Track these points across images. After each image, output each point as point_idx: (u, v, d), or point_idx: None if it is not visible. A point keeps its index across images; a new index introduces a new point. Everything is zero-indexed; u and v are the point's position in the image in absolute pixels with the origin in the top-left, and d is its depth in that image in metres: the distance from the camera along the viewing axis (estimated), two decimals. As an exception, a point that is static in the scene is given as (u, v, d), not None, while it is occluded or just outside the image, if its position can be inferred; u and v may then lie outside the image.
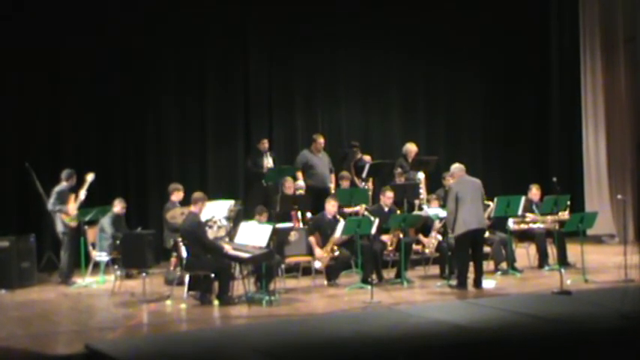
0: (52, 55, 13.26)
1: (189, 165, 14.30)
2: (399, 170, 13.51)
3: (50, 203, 11.75)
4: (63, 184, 11.82)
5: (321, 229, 11.29)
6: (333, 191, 13.21)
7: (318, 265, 11.14)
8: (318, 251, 11.17)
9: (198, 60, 14.42)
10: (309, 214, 12.38)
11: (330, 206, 11.39)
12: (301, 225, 12.13)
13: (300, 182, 13.13)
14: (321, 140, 13.71)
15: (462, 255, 10.67)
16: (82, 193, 11.74)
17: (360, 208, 12.20)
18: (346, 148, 14.39)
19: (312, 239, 11.32)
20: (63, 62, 13.37)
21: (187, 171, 14.15)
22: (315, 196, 12.87)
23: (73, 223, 11.65)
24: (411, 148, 13.86)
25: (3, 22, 12.79)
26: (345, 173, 13.30)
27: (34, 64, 13.08)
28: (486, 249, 11.65)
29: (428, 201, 12.49)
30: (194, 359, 7.47)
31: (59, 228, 11.74)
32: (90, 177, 11.84)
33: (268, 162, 13.58)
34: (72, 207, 11.66)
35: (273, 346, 7.70)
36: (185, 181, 12.74)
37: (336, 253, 11.10)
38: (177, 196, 11.82)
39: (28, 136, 13.17)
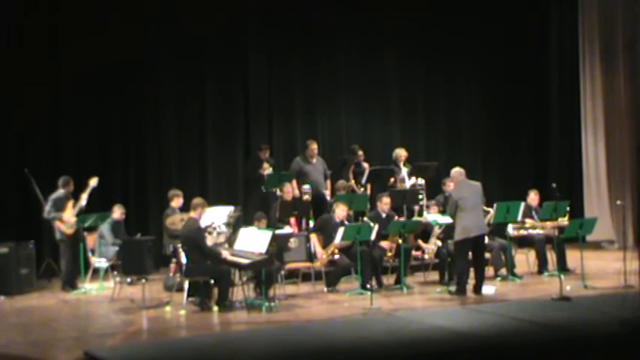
0: (53, 61, 13.26)
1: (188, 171, 14.29)
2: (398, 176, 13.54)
3: (46, 211, 11.72)
4: (60, 191, 11.79)
5: (326, 230, 11.30)
6: (328, 197, 13.18)
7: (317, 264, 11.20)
8: (319, 250, 11.18)
9: (198, 66, 14.41)
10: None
11: (340, 210, 11.40)
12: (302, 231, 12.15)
13: (306, 186, 13.06)
14: (314, 146, 13.66)
15: (462, 261, 10.65)
16: (84, 198, 11.71)
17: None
18: (346, 155, 14.39)
19: (313, 237, 11.34)
20: (63, 68, 13.36)
21: (187, 177, 14.14)
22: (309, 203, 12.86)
23: (70, 231, 11.61)
24: (400, 152, 13.88)
25: (3, 26, 12.80)
26: (341, 184, 13.18)
27: (34, 69, 13.08)
28: (486, 255, 11.63)
29: (427, 207, 12.50)
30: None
31: (57, 235, 11.74)
32: (93, 182, 11.80)
33: (268, 168, 13.55)
34: (69, 214, 11.61)
35: (273, 353, 7.70)
36: (185, 187, 12.73)
37: (337, 257, 11.10)
38: (177, 202, 11.81)
39: (27, 142, 13.18)
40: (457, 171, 11.00)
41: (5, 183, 12.97)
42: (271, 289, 10.20)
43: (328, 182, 13.67)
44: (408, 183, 13.46)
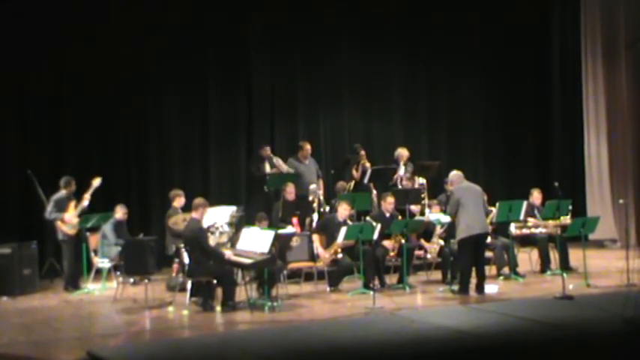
0: (54, 60, 13.28)
1: (191, 171, 14.31)
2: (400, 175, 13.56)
3: (47, 211, 11.72)
4: (61, 192, 11.78)
5: (328, 230, 11.30)
6: (321, 197, 13.16)
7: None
8: (320, 250, 11.19)
9: (201, 66, 14.41)
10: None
11: (342, 209, 11.40)
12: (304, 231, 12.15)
13: (313, 186, 13.06)
14: (307, 147, 13.74)
15: (464, 260, 10.64)
16: (87, 198, 11.71)
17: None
18: (348, 154, 14.39)
19: (315, 237, 11.35)
20: (65, 68, 13.37)
21: (189, 177, 14.16)
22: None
23: (72, 231, 11.61)
24: (402, 152, 13.92)
25: (4, 27, 12.82)
26: (341, 185, 13.20)
27: (36, 69, 13.10)
28: (488, 254, 11.65)
29: (429, 206, 12.49)
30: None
31: (59, 236, 11.74)
32: (96, 182, 11.80)
33: (270, 168, 13.58)
34: (71, 214, 11.61)
35: (276, 352, 7.69)
36: (187, 187, 12.74)
37: (340, 256, 11.10)
38: (179, 202, 11.81)
39: (29, 142, 13.19)
40: (456, 174, 10.98)
41: (8, 184, 12.99)
42: (274, 288, 10.20)
43: (321, 182, 13.67)
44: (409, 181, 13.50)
